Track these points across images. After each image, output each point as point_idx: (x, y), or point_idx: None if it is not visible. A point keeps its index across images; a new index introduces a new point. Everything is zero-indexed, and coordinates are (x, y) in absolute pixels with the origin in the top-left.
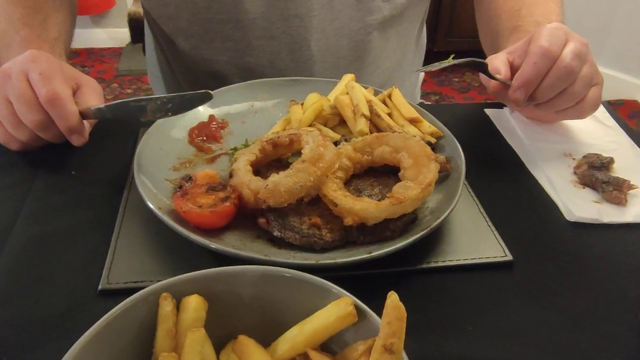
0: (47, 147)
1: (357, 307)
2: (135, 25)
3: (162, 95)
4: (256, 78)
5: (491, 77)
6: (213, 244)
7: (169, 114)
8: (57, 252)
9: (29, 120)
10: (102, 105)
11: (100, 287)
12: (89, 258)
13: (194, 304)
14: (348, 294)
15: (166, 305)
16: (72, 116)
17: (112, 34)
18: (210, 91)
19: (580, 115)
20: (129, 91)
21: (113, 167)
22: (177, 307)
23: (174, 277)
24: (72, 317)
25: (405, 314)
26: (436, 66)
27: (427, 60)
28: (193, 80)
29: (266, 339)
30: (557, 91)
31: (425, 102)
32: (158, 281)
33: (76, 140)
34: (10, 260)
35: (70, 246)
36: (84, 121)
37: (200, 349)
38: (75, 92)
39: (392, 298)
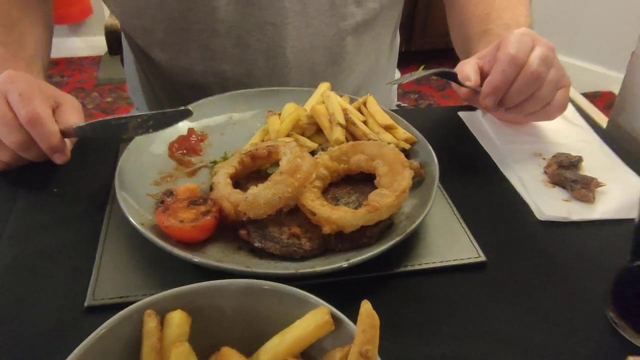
0: (29, 165)
1: (333, 316)
2: (113, 38)
3: (143, 113)
4: (233, 86)
5: (462, 84)
6: (196, 258)
7: (150, 130)
8: (42, 272)
9: (10, 142)
10: (83, 124)
11: (86, 303)
12: (73, 276)
13: (178, 320)
14: (325, 303)
15: (150, 322)
16: (53, 135)
17: (91, 43)
18: (190, 107)
19: (549, 117)
20: (109, 99)
21: (95, 184)
22: (162, 322)
23: (157, 294)
24: (59, 335)
25: (378, 322)
26: (407, 78)
27: (402, 61)
28: (170, 90)
29: (249, 350)
30: (525, 96)
31: (402, 104)
32: (143, 295)
33: (58, 159)
34: None
35: (55, 265)
36: (66, 139)
37: None
38: (55, 111)
39: (366, 307)
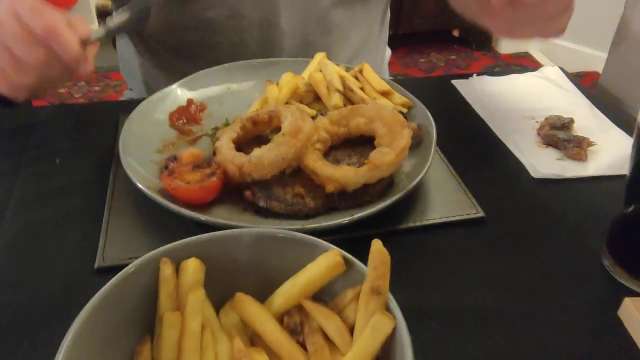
0: (29, 136)
1: (344, 258)
2: (104, 18)
3: None
4: (227, 57)
5: None
6: (203, 217)
7: None
8: (51, 238)
9: (32, 59)
10: (101, 28)
11: (96, 265)
12: (82, 240)
13: (193, 267)
14: (335, 247)
15: (166, 269)
16: (74, 44)
17: None
18: (188, 78)
19: (563, 26)
20: (97, 88)
21: (96, 154)
22: (177, 271)
23: (171, 244)
24: (72, 296)
25: (389, 258)
26: None
27: (391, 43)
28: (166, 65)
29: (263, 297)
30: None
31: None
32: None
33: (84, 70)
34: (4, 248)
35: (63, 231)
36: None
37: (201, 308)
38: None
39: (377, 244)
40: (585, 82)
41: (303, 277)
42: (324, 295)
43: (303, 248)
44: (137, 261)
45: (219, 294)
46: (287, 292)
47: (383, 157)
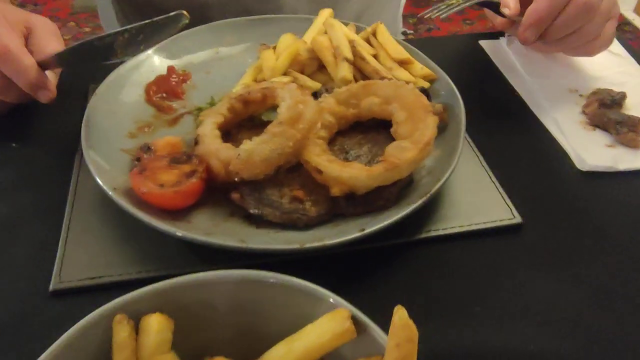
0: None
1: (355, 319)
2: None
3: (129, 27)
4: (217, 13)
5: (500, 13)
6: (179, 232)
7: (141, 47)
8: (0, 244)
9: None
10: (62, 51)
11: (51, 287)
12: (37, 250)
13: (157, 326)
14: (345, 303)
15: (121, 331)
16: (30, 69)
17: None
18: (186, 12)
19: (592, 52)
20: (86, 29)
21: (60, 136)
22: (137, 327)
23: (129, 294)
24: (21, 324)
25: (417, 334)
26: (444, 10)
27: None
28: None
29: (246, 355)
30: (571, 30)
31: (408, 31)
32: (119, 275)
33: (43, 96)
34: None
35: (15, 237)
36: (47, 72)
37: None
38: (27, 38)
39: (400, 314)
40: None
41: (301, 343)
42: (327, 358)
43: (302, 297)
44: (83, 321)
45: (193, 348)
46: (279, 359)
47: (402, 154)
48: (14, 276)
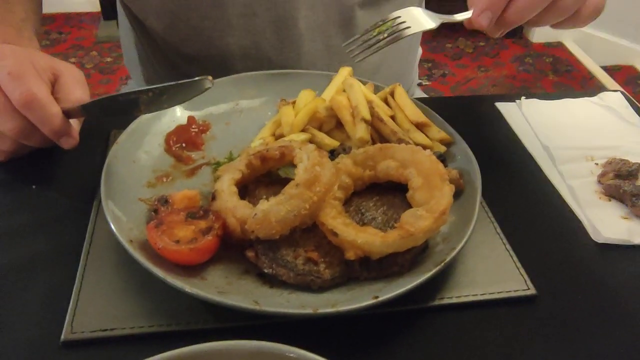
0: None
1: None
2: (107, 1)
3: (154, 87)
4: (238, 60)
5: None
6: (193, 289)
7: (165, 105)
8: (14, 290)
9: (7, 129)
10: (87, 103)
11: (62, 337)
12: (50, 298)
13: None
14: None
15: None
16: (55, 118)
17: None
18: (210, 77)
19: (579, 24)
20: (108, 59)
21: (81, 179)
22: None
23: None
24: None
25: None
26: (371, 46)
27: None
28: (168, 64)
29: None
30: (536, 12)
31: (424, 82)
32: (131, 329)
33: (65, 143)
34: None
35: (29, 282)
36: (71, 120)
37: None
38: (54, 85)
39: None
40: (620, 76)
41: None
42: None
43: None
44: None
45: None
46: None
47: (418, 223)
48: (26, 323)
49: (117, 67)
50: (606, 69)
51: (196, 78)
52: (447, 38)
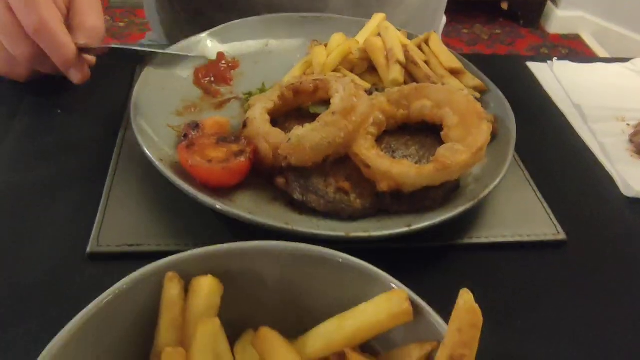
0: (27, 82)
1: (413, 303)
2: None
3: (160, 51)
4: (263, 6)
5: None
6: (227, 207)
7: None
8: (40, 206)
9: (19, 54)
10: (105, 46)
11: (88, 249)
12: (76, 214)
13: (207, 288)
14: (402, 285)
15: (172, 288)
16: (65, 48)
17: None
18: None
19: None
20: (121, 24)
21: (106, 107)
22: (186, 288)
23: (183, 253)
24: (57, 285)
25: (482, 320)
26: None
27: (451, 11)
28: (193, 12)
29: (291, 331)
30: None
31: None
32: (157, 246)
33: (74, 77)
34: None
35: (55, 199)
36: (85, 55)
37: (213, 345)
38: (69, 9)
39: (466, 298)
40: None
41: (354, 321)
42: (376, 343)
43: (355, 276)
44: (135, 274)
45: (237, 318)
46: (328, 335)
47: (455, 156)
48: (54, 236)
49: (128, 32)
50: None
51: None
52: (463, 24)
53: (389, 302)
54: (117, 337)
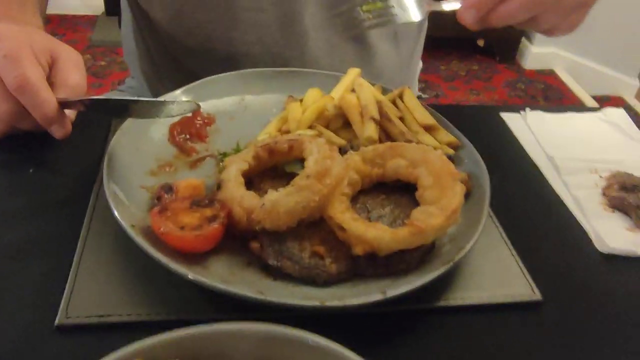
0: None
1: None
2: None
3: (144, 99)
4: (241, 55)
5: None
6: (200, 277)
7: (153, 116)
8: (8, 273)
9: (0, 112)
10: (85, 98)
11: (57, 321)
12: (45, 281)
13: None
14: None
15: None
16: (47, 104)
17: (87, 1)
18: (197, 84)
19: (553, 35)
20: (102, 63)
21: (80, 165)
22: None
23: (150, 338)
24: (23, 357)
25: None
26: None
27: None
28: (170, 58)
29: None
30: (518, 20)
31: (423, 95)
32: (128, 315)
33: (57, 132)
34: None
35: (24, 266)
36: (67, 111)
37: None
38: (51, 67)
39: None
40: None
41: None
42: None
43: (325, 357)
44: None
45: None
46: None
47: (429, 220)
48: (21, 306)
49: (109, 71)
50: (596, 98)
51: (185, 101)
52: (441, 60)
53: None
54: None
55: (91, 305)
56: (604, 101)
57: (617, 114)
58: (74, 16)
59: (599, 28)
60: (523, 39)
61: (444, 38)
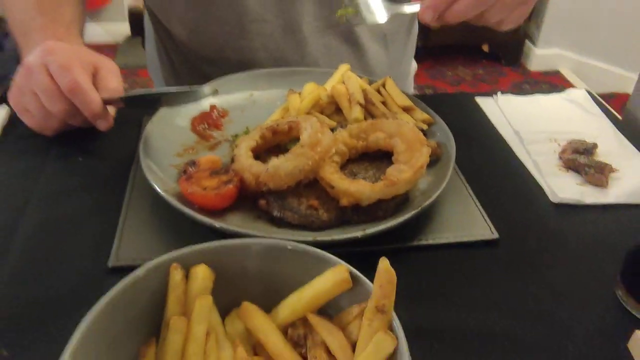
0: (55, 135)
1: (351, 274)
2: (135, 20)
3: (173, 90)
4: (250, 60)
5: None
6: (217, 223)
7: (179, 104)
8: (67, 235)
9: (56, 111)
10: (122, 96)
11: (110, 264)
12: (98, 239)
13: (202, 274)
14: (344, 262)
15: (176, 275)
16: (94, 103)
17: (110, 29)
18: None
19: (499, 29)
20: (125, 86)
21: (118, 154)
22: (186, 277)
23: (183, 249)
24: (83, 293)
25: (395, 277)
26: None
27: (420, 53)
28: (190, 66)
29: (269, 306)
30: (470, 15)
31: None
32: None
33: (101, 125)
34: (22, 243)
35: (79, 228)
36: (108, 107)
37: (207, 314)
38: (95, 76)
39: (384, 263)
40: (615, 103)
41: (309, 291)
42: (329, 309)
43: (312, 261)
44: (147, 265)
45: (226, 301)
46: (293, 305)
47: (400, 174)
48: (80, 256)
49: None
50: (601, 96)
51: (196, 87)
52: (447, 66)
53: (333, 274)
54: (136, 313)
55: (135, 251)
56: (610, 98)
57: (579, 94)
58: (97, 44)
59: (602, 27)
60: (526, 41)
61: (449, 45)
